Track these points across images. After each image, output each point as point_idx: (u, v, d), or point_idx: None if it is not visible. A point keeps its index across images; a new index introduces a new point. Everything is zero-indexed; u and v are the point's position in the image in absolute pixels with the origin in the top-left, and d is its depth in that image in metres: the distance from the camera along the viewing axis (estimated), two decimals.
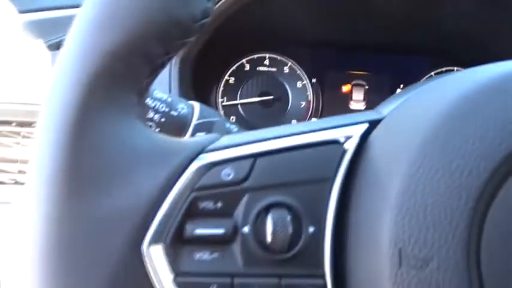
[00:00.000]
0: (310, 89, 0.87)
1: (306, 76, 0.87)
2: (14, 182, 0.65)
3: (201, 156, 0.29)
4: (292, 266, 0.28)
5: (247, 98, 0.86)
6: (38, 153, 0.27)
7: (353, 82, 0.87)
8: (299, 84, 0.87)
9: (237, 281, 0.27)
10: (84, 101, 0.27)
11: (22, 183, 0.65)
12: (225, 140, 0.30)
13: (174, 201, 0.27)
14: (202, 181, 0.28)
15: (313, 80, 0.87)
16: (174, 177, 0.28)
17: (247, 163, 0.28)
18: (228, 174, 0.28)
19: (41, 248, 0.26)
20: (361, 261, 0.27)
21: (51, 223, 0.26)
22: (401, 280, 0.25)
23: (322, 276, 0.28)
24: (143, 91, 0.30)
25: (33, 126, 0.66)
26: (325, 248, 0.28)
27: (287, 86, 0.87)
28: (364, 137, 0.30)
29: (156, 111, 0.48)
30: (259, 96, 0.86)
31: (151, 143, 0.28)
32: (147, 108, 0.48)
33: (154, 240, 0.27)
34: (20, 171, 0.65)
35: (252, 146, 0.29)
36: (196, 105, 0.52)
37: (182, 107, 0.50)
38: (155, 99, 0.49)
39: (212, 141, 0.30)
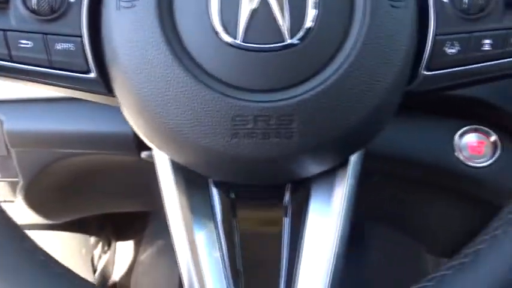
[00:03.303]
0: None
1: None
2: None
3: None
4: (56, 27, 0.35)
5: None
6: None
7: None
8: None
9: (9, 34, 0.35)
10: None
11: None
12: None
13: None
14: None
15: None
16: None
17: None
18: None
19: None
20: (114, 23, 0.34)
21: None
22: (120, 16, 0.33)
23: (80, 35, 0.35)
24: None
25: None
26: (83, 14, 0.35)
27: None
28: None
29: None
30: None
31: None
32: None
33: None
34: None
35: None
36: None
37: None
38: None
39: None
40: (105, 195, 0.71)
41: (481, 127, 0.50)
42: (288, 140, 0.33)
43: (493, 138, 0.50)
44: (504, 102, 0.48)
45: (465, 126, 0.50)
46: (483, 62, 0.36)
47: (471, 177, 0.50)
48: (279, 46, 0.32)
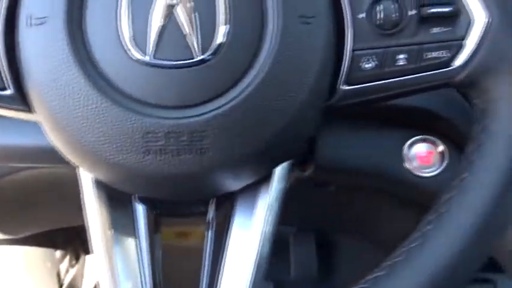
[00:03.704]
0: None
1: None
2: None
3: None
4: None
5: None
6: None
7: None
8: None
9: None
10: None
11: None
12: None
13: None
14: None
15: None
16: None
17: None
18: None
19: None
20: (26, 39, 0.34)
21: None
22: (31, 33, 0.34)
23: None
24: None
25: None
26: None
27: None
28: None
29: None
30: None
31: None
32: None
33: None
34: None
35: None
36: None
37: None
38: None
39: None
40: (62, 208, 0.70)
41: (429, 137, 0.50)
42: (201, 156, 0.33)
43: (441, 148, 0.50)
44: (449, 113, 0.49)
45: (414, 136, 0.50)
46: (399, 77, 0.36)
47: (420, 188, 0.50)
48: (189, 62, 0.32)
